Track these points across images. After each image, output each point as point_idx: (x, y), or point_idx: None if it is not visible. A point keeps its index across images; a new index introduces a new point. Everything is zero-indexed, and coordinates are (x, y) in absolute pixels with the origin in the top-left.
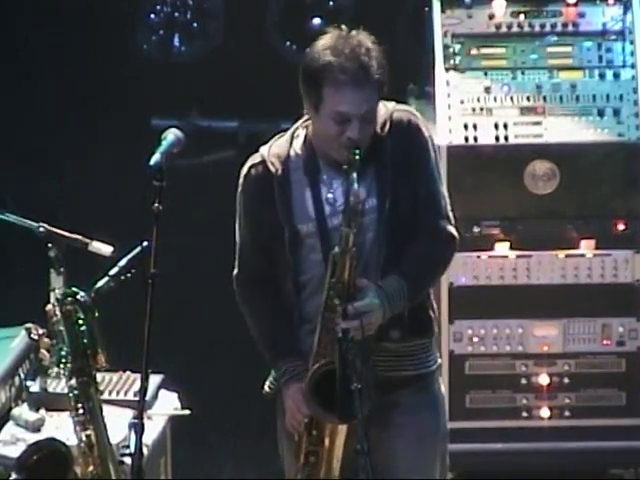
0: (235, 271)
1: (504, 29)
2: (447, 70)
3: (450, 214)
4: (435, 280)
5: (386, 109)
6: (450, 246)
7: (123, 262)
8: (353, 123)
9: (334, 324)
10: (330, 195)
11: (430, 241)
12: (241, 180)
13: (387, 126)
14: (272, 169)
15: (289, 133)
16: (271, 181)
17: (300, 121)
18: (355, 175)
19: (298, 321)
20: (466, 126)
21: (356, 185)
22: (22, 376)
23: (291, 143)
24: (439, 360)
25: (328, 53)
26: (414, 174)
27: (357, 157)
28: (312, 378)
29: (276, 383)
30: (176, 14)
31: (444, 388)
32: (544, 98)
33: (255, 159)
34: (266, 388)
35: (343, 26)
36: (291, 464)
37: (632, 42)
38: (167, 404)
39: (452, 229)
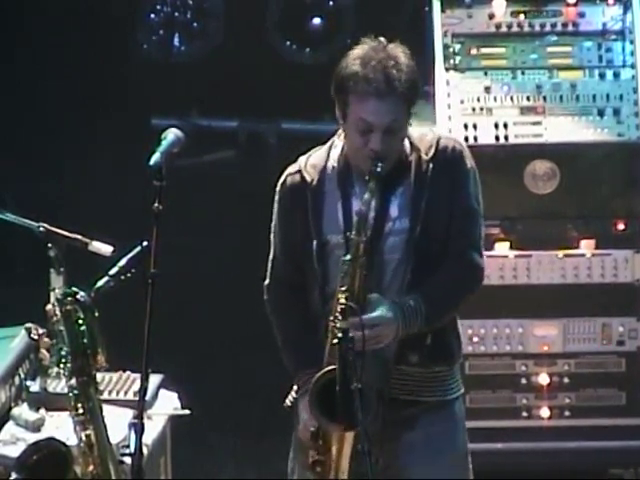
0: (266, 281)
1: (504, 29)
2: (447, 70)
3: (481, 248)
4: (456, 307)
5: (433, 135)
6: (475, 276)
7: (123, 262)
8: (375, 134)
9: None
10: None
11: (456, 268)
12: (278, 188)
13: (432, 151)
14: (308, 178)
15: (327, 145)
16: (305, 190)
17: (338, 133)
18: (373, 185)
19: (324, 332)
20: (466, 126)
21: (368, 194)
22: (22, 376)
23: (329, 154)
24: (461, 389)
25: (357, 63)
26: (452, 201)
27: (378, 169)
28: (315, 386)
29: (295, 397)
30: (176, 14)
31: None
32: (544, 98)
33: (293, 168)
34: (287, 402)
35: (381, 38)
36: (301, 476)
37: (632, 42)
38: (167, 404)
39: (480, 261)
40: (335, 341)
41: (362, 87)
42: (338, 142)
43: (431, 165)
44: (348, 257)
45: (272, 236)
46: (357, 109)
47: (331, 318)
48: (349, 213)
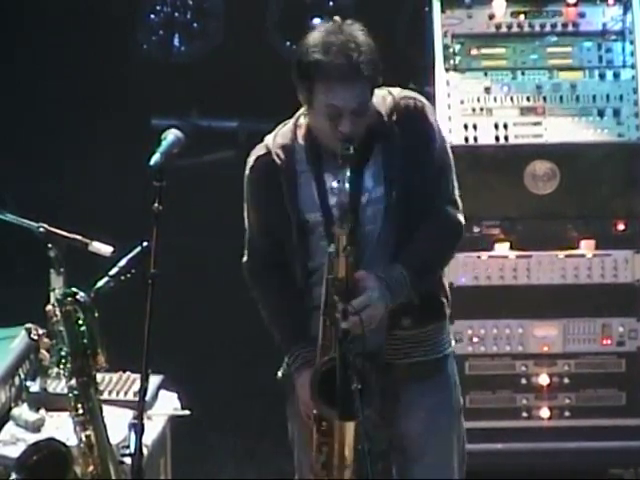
0: (244, 258)
1: (504, 29)
2: (447, 70)
3: (458, 199)
4: (441, 266)
5: (392, 97)
6: (455, 231)
7: (123, 262)
8: (344, 118)
9: (335, 319)
10: (335, 184)
11: (435, 226)
12: (247, 171)
13: (394, 114)
14: (278, 161)
15: (292, 122)
16: (277, 172)
17: (302, 110)
18: (348, 173)
19: (309, 307)
20: (466, 126)
21: (347, 185)
22: (22, 376)
23: (295, 132)
24: (453, 343)
25: (318, 50)
26: (422, 161)
27: (350, 152)
28: (315, 376)
29: (287, 369)
30: (176, 14)
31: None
32: (544, 98)
33: (260, 150)
34: (279, 374)
35: (336, 17)
36: (300, 447)
37: (632, 42)
38: (167, 404)
39: (458, 214)
40: (334, 332)
41: (327, 74)
42: (303, 120)
43: (396, 128)
44: (332, 249)
45: (246, 218)
46: (323, 96)
47: (323, 307)
48: (324, 190)
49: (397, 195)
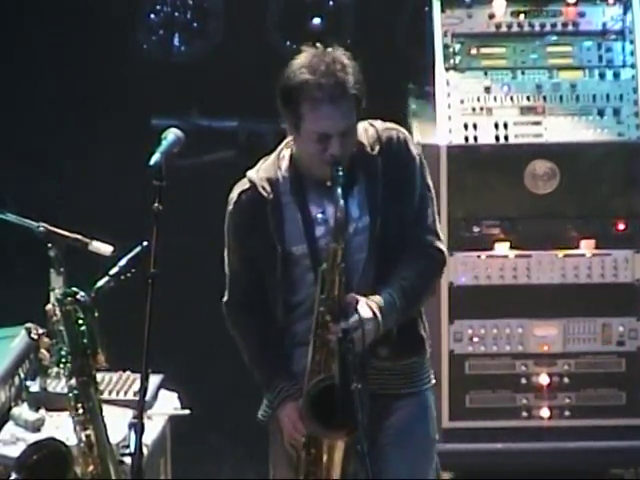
0: (225, 298)
1: (504, 29)
2: (447, 70)
3: (438, 231)
4: (426, 295)
5: (374, 129)
6: (438, 260)
7: (123, 262)
8: (333, 140)
9: (327, 341)
10: (320, 215)
11: (418, 256)
12: (230, 207)
13: (377, 146)
14: (264, 193)
15: (274, 155)
16: (263, 205)
17: (284, 142)
18: (340, 191)
19: (290, 344)
20: (466, 126)
21: (342, 201)
22: (22, 376)
23: (278, 165)
24: (432, 380)
25: (304, 71)
26: (404, 192)
27: (340, 173)
28: (308, 395)
29: (269, 410)
30: (176, 14)
31: (445, 388)
32: (544, 98)
33: (244, 185)
34: (259, 416)
35: (318, 44)
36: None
37: (632, 42)
38: (167, 404)
39: (439, 244)
40: (325, 354)
41: (315, 94)
42: (285, 152)
43: (380, 159)
44: (324, 266)
45: (226, 254)
46: (311, 118)
47: (313, 327)
48: (309, 221)
49: (381, 225)
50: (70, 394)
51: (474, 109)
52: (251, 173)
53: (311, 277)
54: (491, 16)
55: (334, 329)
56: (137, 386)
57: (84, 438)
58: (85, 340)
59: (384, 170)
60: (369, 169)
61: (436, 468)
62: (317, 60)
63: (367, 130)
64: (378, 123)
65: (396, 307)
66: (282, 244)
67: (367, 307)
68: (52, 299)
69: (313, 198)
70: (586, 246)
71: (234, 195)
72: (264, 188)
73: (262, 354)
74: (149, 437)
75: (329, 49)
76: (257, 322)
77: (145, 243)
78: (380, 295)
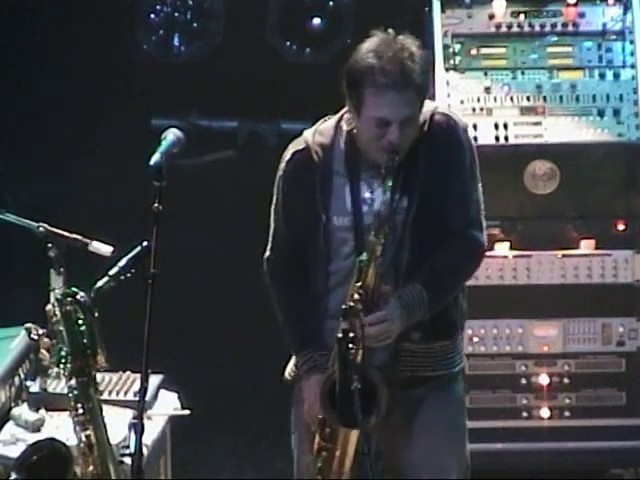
0: (267, 253)
1: (504, 29)
2: (447, 70)
3: (482, 222)
4: (458, 288)
5: (426, 109)
6: (476, 253)
7: (123, 262)
8: (393, 127)
9: (355, 327)
10: (368, 195)
11: (456, 248)
12: (282, 164)
13: (425, 127)
14: (315, 158)
15: (334, 122)
16: (313, 169)
17: (343, 111)
18: (390, 183)
19: (323, 315)
20: None
21: (388, 195)
22: (22, 376)
23: (336, 133)
24: (463, 361)
25: (371, 56)
26: (446, 178)
27: (394, 163)
28: (327, 382)
29: (296, 371)
30: (176, 14)
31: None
32: (544, 98)
33: (299, 145)
34: (286, 375)
35: (390, 30)
36: (302, 453)
37: (632, 42)
38: (167, 404)
39: (480, 236)
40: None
41: (379, 80)
42: (344, 124)
43: (424, 142)
44: (365, 257)
45: (273, 211)
46: (373, 103)
47: (343, 313)
48: (357, 198)
49: (418, 209)
50: (70, 394)
51: (474, 109)
52: (307, 134)
53: (347, 249)
54: (491, 16)
55: (365, 320)
56: (137, 386)
57: (84, 438)
58: (85, 340)
59: (427, 154)
60: (412, 151)
61: (462, 463)
62: (385, 46)
63: (422, 111)
64: (432, 105)
65: (423, 302)
66: (326, 211)
67: (397, 301)
68: (52, 299)
69: (365, 177)
70: (586, 246)
71: (288, 153)
72: (317, 153)
73: (297, 316)
74: (149, 437)
75: (400, 36)
76: (296, 283)
77: (145, 243)
78: (410, 289)
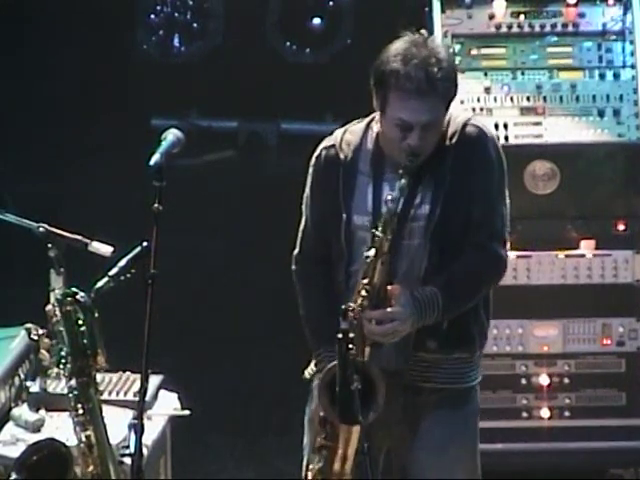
0: (296, 251)
1: (504, 29)
2: None
3: (506, 236)
4: (474, 299)
5: (462, 118)
6: (497, 268)
7: (123, 262)
8: (414, 131)
9: (360, 324)
10: (390, 196)
11: (477, 259)
12: (313, 160)
13: (455, 138)
14: (341, 155)
15: (365, 123)
16: (337, 166)
17: (377, 115)
18: (404, 182)
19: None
20: None
21: (398, 193)
22: (22, 376)
23: (365, 133)
24: (479, 377)
25: (398, 59)
26: (473, 190)
27: (412, 164)
28: (325, 377)
29: (314, 368)
30: (176, 14)
31: None
32: (544, 98)
33: (328, 142)
34: (306, 374)
35: (423, 31)
36: (312, 452)
37: (632, 42)
38: (167, 404)
39: (502, 251)
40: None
41: (403, 85)
42: (374, 125)
43: (453, 152)
44: (372, 253)
45: (304, 207)
46: (397, 106)
47: (351, 306)
48: (378, 198)
49: (439, 217)
50: (70, 394)
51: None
52: (338, 132)
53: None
54: (491, 17)
55: (369, 315)
56: (137, 386)
57: (84, 438)
58: (85, 340)
59: (454, 163)
60: (440, 159)
61: (477, 474)
62: (414, 50)
63: (456, 118)
64: (467, 115)
65: (438, 306)
66: (347, 210)
67: (408, 300)
68: (52, 299)
69: (388, 178)
70: (586, 246)
71: (318, 150)
72: (343, 150)
73: (319, 314)
74: (149, 437)
75: (429, 39)
76: (322, 281)
77: (145, 243)
78: (425, 291)
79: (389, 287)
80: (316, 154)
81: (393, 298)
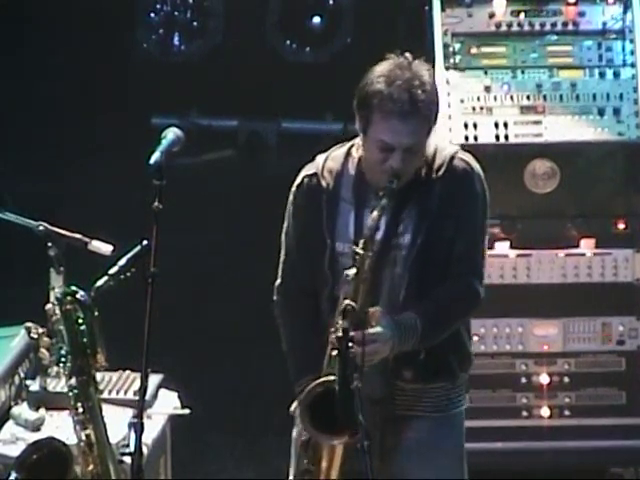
0: (277, 282)
1: (504, 28)
2: (447, 69)
3: (483, 273)
4: (449, 329)
5: (447, 152)
6: (473, 303)
7: (123, 261)
8: (396, 153)
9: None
10: (371, 216)
11: (456, 291)
12: (293, 189)
13: (442, 170)
14: (323, 183)
15: (346, 149)
16: (321, 194)
17: (358, 140)
18: (385, 202)
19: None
20: (466, 125)
21: (377, 213)
22: (22, 375)
23: (347, 159)
24: (464, 404)
25: (381, 81)
26: (457, 224)
27: (393, 186)
28: (307, 397)
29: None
30: (176, 13)
31: None
32: (544, 97)
33: (310, 170)
34: (292, 409)
35: (407, 54)
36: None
37: (632, 41)
38: (167, 403)
39: (480, 288)
40: (334, 353)
41: (386, 106)
42: (355, 150)
43: (440, 184)
44: (353, 272)
45: (284, 237)
46: (379, 128)
47: (332, 329)
48: (360, 224)
49: (420, 247)
50: (70, 393)
51: (474, 108)
52: (320, 158)
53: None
54: (491, 15)
55: (354, 336)
56: (137, 385)
57: (84, 437)
58: (85, 339)
59: (440, 196)
60: (425, 191)
61: None
62: (398, 72)
63: (443, 150)
64: (454, 148)
65: (416, 332)
66: (331, 237)
67: (388, 322)
68: (52, 298)
69: (371, 205)
70: (586, 245)
71: (299, 178)
72: (325, 178)
73: (301, 344)
74: (149, 437)
75: (415, 62)
76: (303, 312)
77: (145, 242)
78: (405, 316)
79: (370, 309)
80: (298, 182)
81: (373, 320)
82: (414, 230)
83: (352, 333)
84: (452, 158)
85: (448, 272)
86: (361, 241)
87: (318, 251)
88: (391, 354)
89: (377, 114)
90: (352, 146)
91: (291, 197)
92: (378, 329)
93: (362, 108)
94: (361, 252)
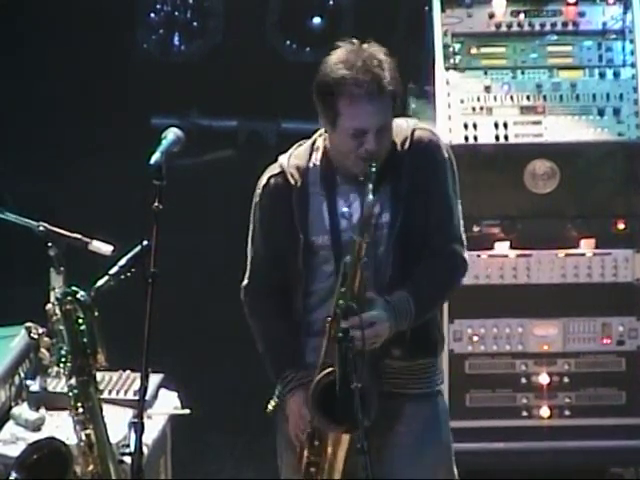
0: (245, 282)
1: (504, 28)
2: (447, 69)
3: (463, 237)
4: (442, 302)
5: (407, 126)
6: (459, 269)
7: (123, 261)
8: (369, 135)
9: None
10: (346, 209)
11: (440, 263)
12: (258, 190)
13: (407, 144)
14: (291, 181)
15: (309, 144)
16: (289, 192)
17: (318, 132)
18: (371, 186)
19: (306, 334)
20: (466, 125)
21: (371, 196)
22: (22, 375)
23: (310, 154)
24: (443, 380)
25: (341, 67)
26: (429, 193)
27: (373, 169)
28: (317, 387)
29: (279, 398)
30: (176, 13)
31: (445, 388)
32: (544, 97)
33: (274, 170)
34: (269, 407)
35: (354, 39)
36: (289, 476)
37: (632, 41)
38: (167, 403)
39: (463, 252)
40: (334, 353)
41: (352, 91)
42: (319, 142)
43: (407, 158)
44: (349, 259)
45: (251, 240)
46: (349, 114)
47: (329, 318)
48: (335, 214)
49: (401, 224)
50: (70, 393)
51: (474, 108)
52: (283, 158)
53: (329, 268)
54: (491, 15)
55: (352, 322)
56: (137, 385)
57: (84, 437)
58: (85, 339)
59: (410, 169)
60: (395, 166)
61: (449, 476)
62: (354, 56)
63: (401, 126)
64: (412, 121)
65: (410, 311)
66: (305, 233)
67: (384, 305)
68: (52, 298)
69: (341, 192)
70: (586, 245)
71: (263, 179)
72: (292, 175)
73: (277, 340)
74: (149, 437)
75: (365, 45)
76: (275, 308)
77: (145, 242)
78: (397, 296)
79: (366, 294)
80: (263, 182)
81: (367, 304)
82: (392, 207)
83: (349, 320)
84: (414, 130)
85: (428, 243)
86: (356, 227)
87: (290, 249)
88: (389, 335)
89: (344, 101)
90: (315, 140)
91: (256, 198)
92: (374, 312)
93: (326, 99)
94: (358, 238)
